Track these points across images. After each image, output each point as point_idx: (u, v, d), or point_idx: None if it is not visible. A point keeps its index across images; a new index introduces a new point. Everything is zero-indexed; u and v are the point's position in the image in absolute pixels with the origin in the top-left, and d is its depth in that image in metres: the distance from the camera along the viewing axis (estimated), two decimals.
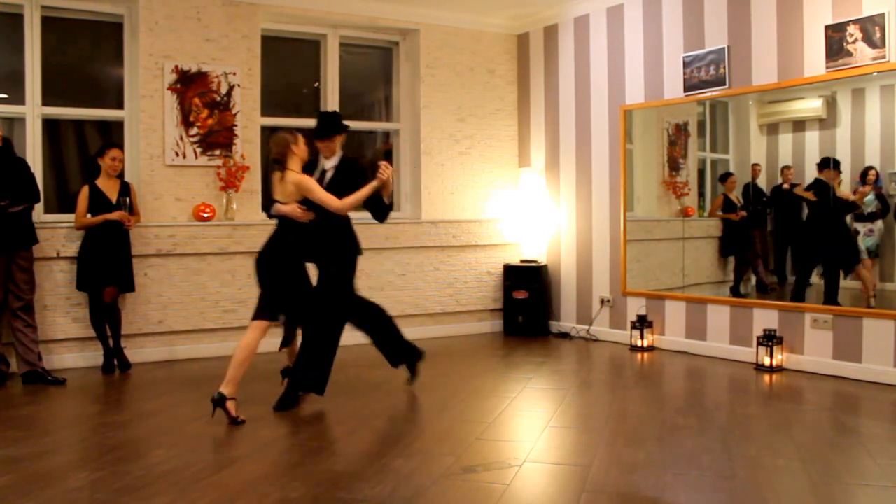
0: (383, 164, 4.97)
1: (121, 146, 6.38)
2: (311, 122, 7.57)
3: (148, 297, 6.52)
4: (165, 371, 6.23)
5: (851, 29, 5.54)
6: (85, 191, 6.11)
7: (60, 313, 6.25)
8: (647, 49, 7.05)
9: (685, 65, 6.69)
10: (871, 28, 5.44)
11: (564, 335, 7.76)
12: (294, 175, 4.88)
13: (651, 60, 7.02)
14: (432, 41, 7.92)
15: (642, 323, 6.96)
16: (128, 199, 6.20)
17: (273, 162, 4.95)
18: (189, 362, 6.55)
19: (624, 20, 7.26)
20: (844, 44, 5.60)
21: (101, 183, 6.17)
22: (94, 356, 6.29)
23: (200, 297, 6.72)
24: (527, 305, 7.91)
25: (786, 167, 6.67)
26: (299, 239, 4.93)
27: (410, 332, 7.64)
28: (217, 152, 6.84)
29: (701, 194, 7.34)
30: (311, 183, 4.89)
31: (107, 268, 6.10)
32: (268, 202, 5.08)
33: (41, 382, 5.69)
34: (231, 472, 3.75)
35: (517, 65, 8.44)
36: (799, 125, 6.56)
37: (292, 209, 4.84)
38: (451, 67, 8.03)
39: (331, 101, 7.59)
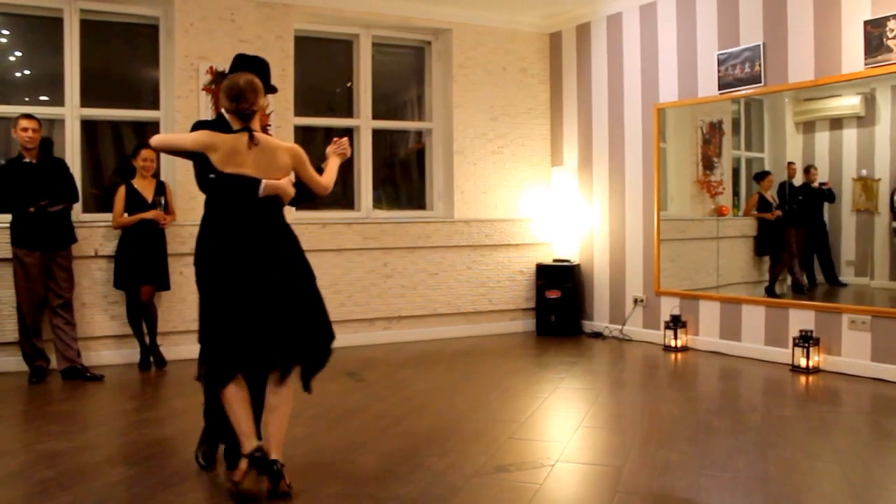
0: (342, 139, 3.95)
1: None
2: (345, 122, 7.69)
3: (183, 296, 6.60)
4: None
5: (892, 24, 5.45)
6: (121, 191, 6.20)
7: (98, 311, 6.35)
8: (681, 47, 6.99)
9: (719, 62, 6.62)
10: None
11: (597, 335, 7.73)
12: (286, 142, 3.76)
13: (685, 58, 6.96)
14: (465, 41, 7.92)
15: (676, 323, 6.91)
16: (163, 199, 6.28)
17: (238, 113, 3.50)
18: None
19: (657, 18, 7.21)
20: (884, 39, 5.50)
21: (137, 183, 6.26)
22: (130, 353, 6.38)
23: None
24: (559, 305, 7.88)
25: (811, 167, 6.59)
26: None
27: (443, 331, 7.73)
28: None
29: (735, 193, 7.26)
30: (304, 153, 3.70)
31: (143, 266, 6.18)
32: (230, 178, 3.51)
33: (80, 378, 5.79)
34: None
35: (550, 64, 8.42)
36: (836, 123, 6.47)
37: (286, 186, 3.60)
38: (483, 67, 8.03)
39: (363, 101, 7.63)
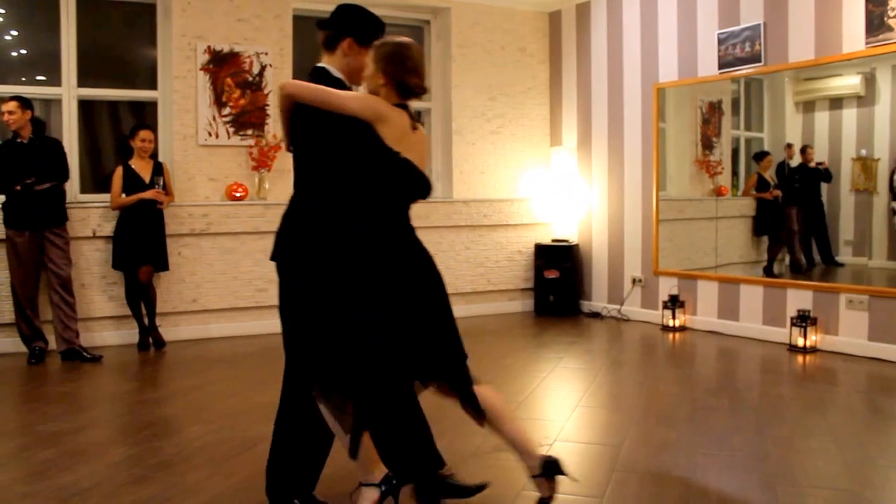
0: None
1: (151, 127, 6.44)
2: None
3: (182, 276, 6.60)
4: (199, 349, 6.32)
5: (893, 3, 5.41)
6: (119, 171, 6.19)
7: (97, 292, 6.36)
8: (681, 26, 6.95)
9: (720, 42, 6.59)
10: None
11: (596, 315, 7.74)
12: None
13: (685, 37, 6.93)
14: (463, 20, 7.88)
15: (674, 303, 6.92)
16: (161, 179, 6.27)
17: (412, 90, 2.89)
18: (222, 340, 6.63)
19: None
20: (886, 18, 5.47)
21: (135, 163, 6.24)
22: (129, 334, 6.39)
23: (233, 276, 6.79)
24: (558, 285, 7.89)
25: (808, 147, 6.59)
26: None
27: None
28: (249, 132, 6.88)
29: (734, 173, 7.25)
30: None
31: (142, 247, 6.18)
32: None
33: (78, 359, 5.80)
34: (265, 448, 3.75)
35: (549, 43, 8.37)
36: (836, 103, 6.44)
37: None
38: (482, 46, 7.99)
39: None
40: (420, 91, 2.89)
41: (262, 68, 6.93)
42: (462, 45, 7.88)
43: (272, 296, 6.85)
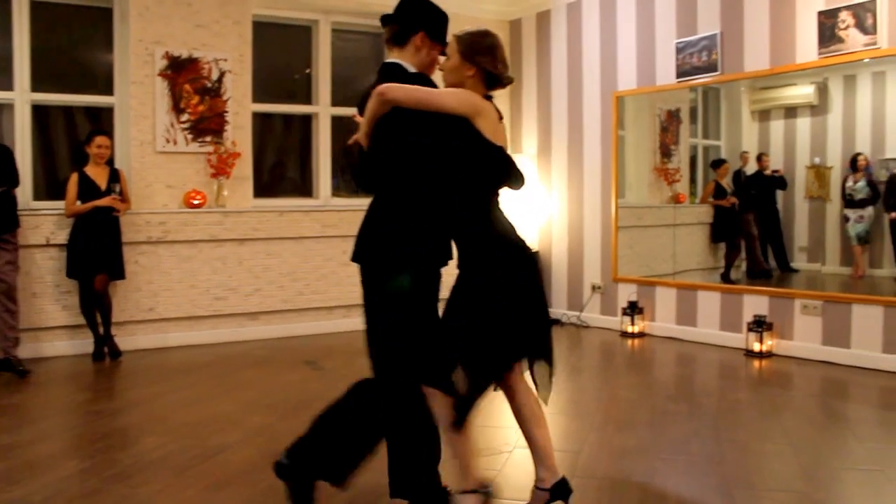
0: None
1: (107, 133, 6.33)
2: (303, 109, 7.61)
3: (139, 285, 6.50)
4: (156, 358, 6.22)
5: (844, 15, 5.54)
6: (74, 178, 6.08)
7: (50, 301, 6.23)
8: (640, 35, 7.03)
9: (678, 51, 6.67)
10: (863, 14, 5.43)
11: (555, 322, 7.76)
12: None
13: (643, 46, 7.00)
14: None
15: (633, 309, 6.97)
16: (118, 186, 6.17)
17: (502, 82, 2.94)
18: (180, 349, 6.54)
19: (616, 6, 7.24)
20: (836, 30, 5.59)
21: (90, 170, 6.14)
22: (84, 344, 6.27)
23: (191, 284, 6.70)
24: None
25: (763, 154, 6.71)
26: None
27: None
28: (208, 139, 6.81)
29: (692, 181, 7.35)
30: None
31: (97, 255, 6.07)
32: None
33: (8, 370, 5.58)
34: (222, 460, 3.75)
35: (510, 50, 8.41)
36: (791, 112, 6.57)
37: None
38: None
39: (322, 88, 7.56)
40: (508, 81, 2.90)
41: (222, 74, 6.87)
42: None
43: (231, 304, 6.83)
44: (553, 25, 7.91)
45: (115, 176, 6.22)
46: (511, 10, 8.26)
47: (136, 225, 6.46)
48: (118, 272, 6.23)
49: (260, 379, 5.45)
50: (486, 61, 2.82)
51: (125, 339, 6.39)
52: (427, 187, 2.76)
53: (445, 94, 2.74)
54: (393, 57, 2.92)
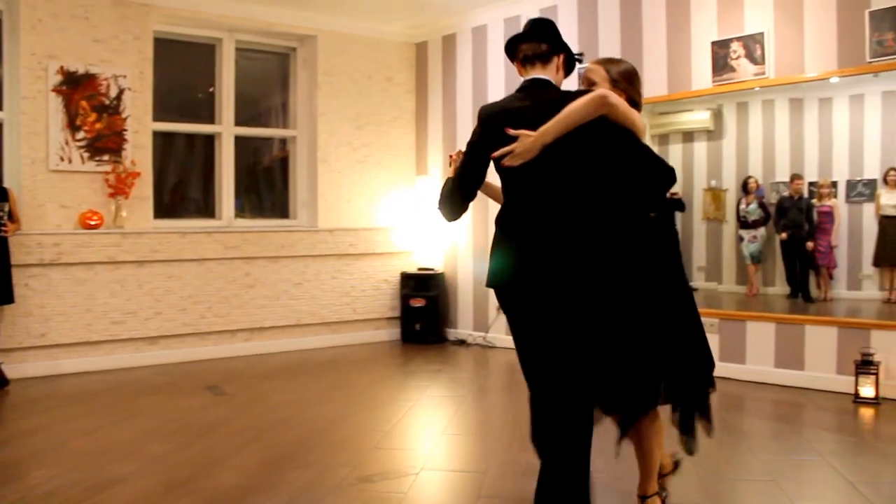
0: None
1: None
2: (205, 129, 7.47)
3: (29, 309, 6.22)
4: (48, 386, 5.95)
5: (735, 45, 5.80)
6: None
7: None
8: None
9: (580, 76, 6.82)
10: (753, 45, 5.70)
11: (461, 342, 7.81)
12: None
13: None
14: (330, 48, 7.86)
15: None
16: (6, 206, 5.91)
17: (638, 105, 3.15)
18: (74, 377, 6.27)
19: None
20: (729, 59, 5.85)
21: None
22: None
23: (87, 308, 6.45)
24: (424, 313, 7.92)
25: None
26: None
27: (306, 341, 7.63)
28: (105, 158, 6.59)
29: None
30: None
31: None
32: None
33: None
34: (117, 491, 3.60)
35: (416, 73, 8.47)
36: (688, 136, 6.81)
37: None
38: (348, 75, 7.99)
39: (225, 107, 7.44)
40: (639, 108, 3.09)
41: (121, 91, 6.67)
42: (328, 73, 7.86)
43: (129, 328, 6.61)
44: (459, 48, 8.01)
45: (3, 195, 5.95)
46: (417, 33, 8.32)
47: (27, 246, 6.19)
48: (6, 296, 5.94)
49: (159, 405, 5.28)
50: (630, 88, 3.09)
51: (13, 367, 6.09)
52: (620, 195, 2.94)
53: (637, 114, 2.96)
54: (537, 73, 3.06)
